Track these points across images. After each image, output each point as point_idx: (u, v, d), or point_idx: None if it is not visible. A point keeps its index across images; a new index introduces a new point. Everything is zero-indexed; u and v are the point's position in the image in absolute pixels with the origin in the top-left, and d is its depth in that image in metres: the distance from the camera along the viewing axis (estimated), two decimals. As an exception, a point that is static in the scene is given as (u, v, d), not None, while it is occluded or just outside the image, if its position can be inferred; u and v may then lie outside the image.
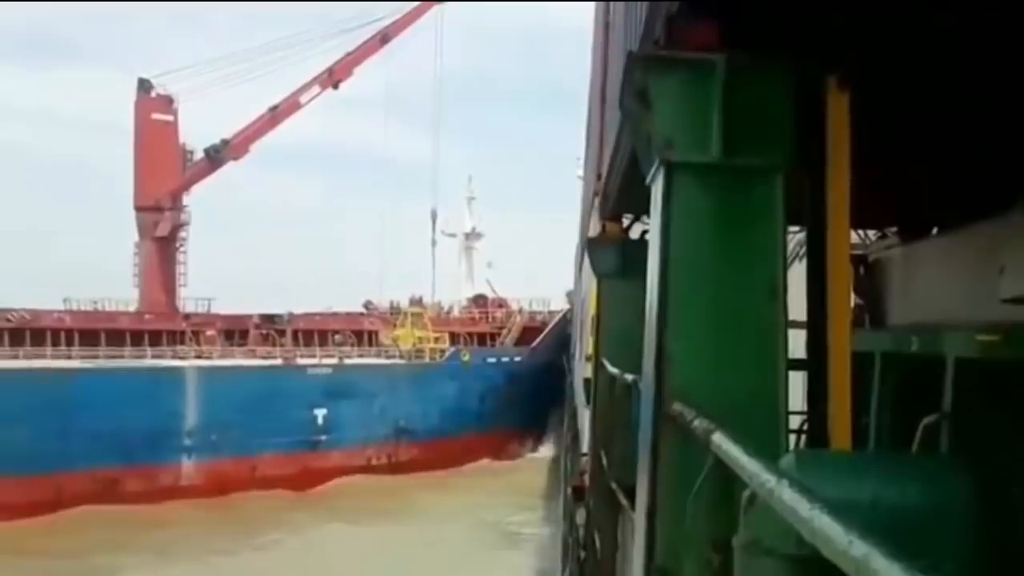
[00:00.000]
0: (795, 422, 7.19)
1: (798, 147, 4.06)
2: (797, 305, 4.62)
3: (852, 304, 9.11)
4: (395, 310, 69.11)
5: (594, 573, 9.88)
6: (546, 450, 58.63)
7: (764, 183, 3.98)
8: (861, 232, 10.38)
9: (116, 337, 50.86)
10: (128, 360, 48.36)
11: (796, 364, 4.62)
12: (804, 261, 5.73)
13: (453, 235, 76.42)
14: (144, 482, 42.78)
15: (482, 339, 67.96)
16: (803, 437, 7.67)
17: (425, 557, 34.02)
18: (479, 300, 75.38)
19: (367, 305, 71.00)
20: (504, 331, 69.66)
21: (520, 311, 72.61)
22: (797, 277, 4.84)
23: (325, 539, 37.09)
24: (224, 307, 60.34)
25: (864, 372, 7.39)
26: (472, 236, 78.09)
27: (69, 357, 46.97)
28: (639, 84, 4.02)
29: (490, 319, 72.25)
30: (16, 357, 45.08)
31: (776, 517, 2.16)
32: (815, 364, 4.96)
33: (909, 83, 4.85)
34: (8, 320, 48.21)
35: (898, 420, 7.33)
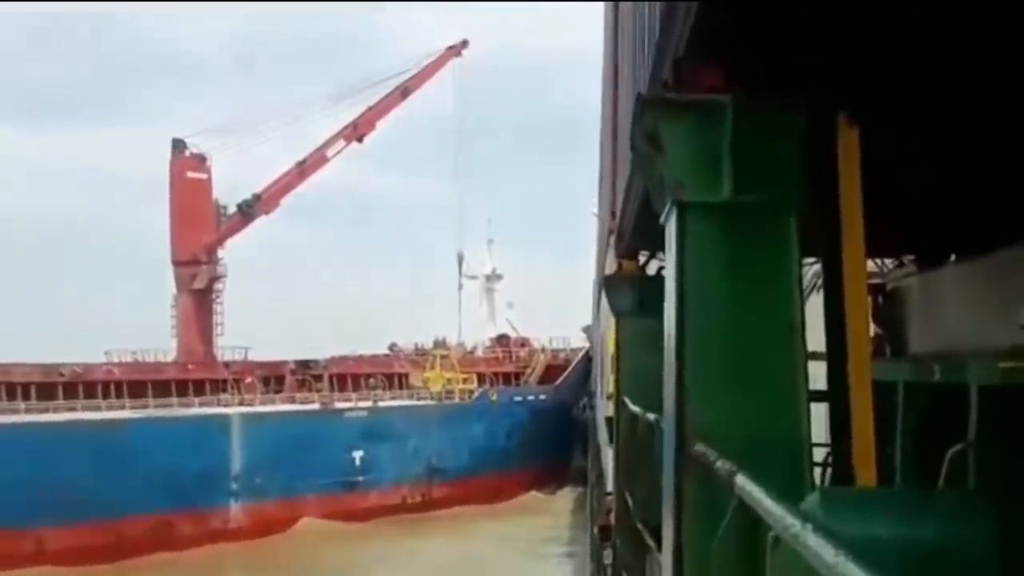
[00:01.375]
0: (820, 454, 7.16)
1: (810, 180, 4.05)
2: (816, 336, 4.61)
3: (872, 334, 9.08)
4: (420, 352, 70.62)
5: (623, 613, 9.80)
6: (570, 488, 59.01)
7: (776, 219, 3.97)
8: (879, 261, 10.36)
9: (162, 387, 52.68)
10: (176, 409, 50.04)
11: (817, 396, 4.59)
12: (821, 292, 5.72)
13: (474, 277, 78.16)
14: (196, 526, 44.49)
15: (507, 378, 68.99)
16: (828, 470, 7.61)
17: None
18: (502, 340, 76.51)
19: (392, 347, 72.44)
20: (528, 370, 70.66)
21: (543, 350, 73.56)
22: (815, 308, 4.82)
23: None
24: (259, 354, 62.11)
25: (887, 402, 7.35)
26: (492, 278, 79.65)
27: (123, 408, 48.74)
28: (649, 127, 4.03)
29: (514, 358, 73.16)
30: (74, 409, 46.92)
31: (803, 558, 2.14)
32: (836, 395, 4.93)
33: (920, 113, 4.85)
34: (61, 375, 49.81)
35: (923, 450, 7.27)
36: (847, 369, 4.79)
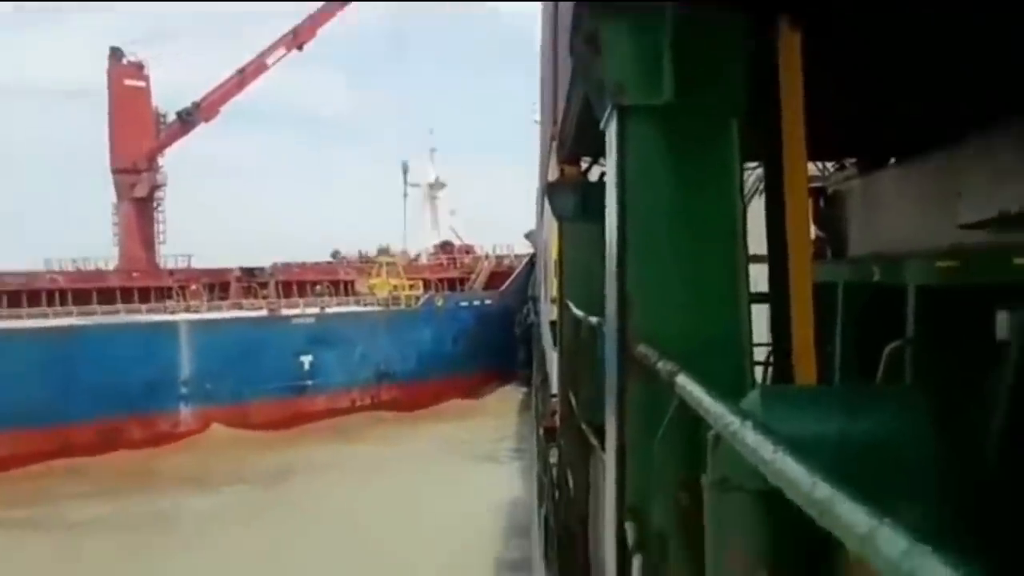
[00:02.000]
0: (761, 355, 7.26)
1: (752, 84, 4.04)
2: (758, 239, 4.64)
3: (813, 236, 9.17)
4: (364, 259, 71.79)
5: (568, 511, 9.96)
6: (515, 389, 60.92)
7: (718, 123, 3.96)
8: (820, 164, 10.42)
9: (107, 295, 53.76)
10: (124, 316, 51.17)
11: (759, 298, 4.64)
12: (763, 196, 5.74)
13: (417, 185, 78.89)
14: (145, 430, 45.75)
15: (451, 284, 70.06)
16: (769, 370, 7.73)
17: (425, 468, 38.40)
18: (446, 247, 77.74)
19: (335, 255, 73.57)
20: (472, 276, 71.63)
21: (487, 256, 74.63)
22: (757, 212, 4.85)
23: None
24: (201, 263, 63.23)
25: (827, 303, 7.45)
26: (435, 186, 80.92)
27: (69, 315, 49.40)
28: (589, 29, 3.98)
29: (458, 265, 74.14)
30: (19, 317, 47.80)
31: (742, 456, 2.17)
32: (777, 297, 4.98)
33: (860, 15, 4.84)
34: (4, 284, 50.85)
35: (862, 349, 7.40)
36: (788, 271, 4.84)
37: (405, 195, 78.08)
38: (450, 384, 58.62)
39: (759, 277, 4.95)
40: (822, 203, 9.63)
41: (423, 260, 75.16)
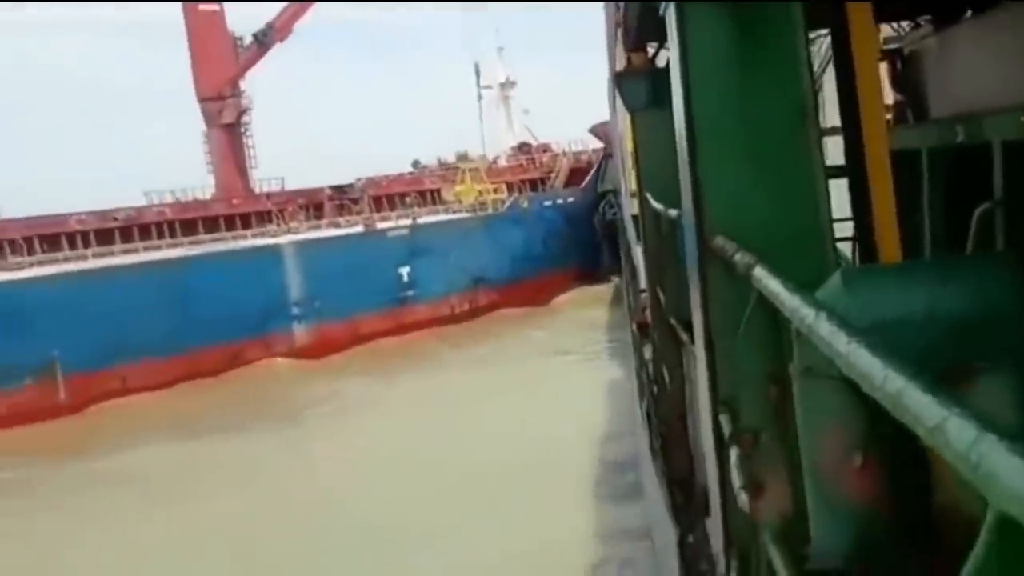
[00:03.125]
0: (846, 230, 7.11)
1: None
2: (834, 110, 4.51)
3: (892, 101, 8.90)
4: (444, 166, 72.77)
5: (667, 405, 9.98)
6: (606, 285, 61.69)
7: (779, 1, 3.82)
8: (894, 25, 10.06)
9: (211, 223, 55.99)
10: (232, 243, 53.30)
11: (838, 172, 4.52)
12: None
13: (489, 87, 78.56)
14: (263, 350, 48.22)
15: (533, 185, 70.66)
16: (858, 245, 7.58)
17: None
18: (523, 148, 77.83)
19: (415, 164, 74.57)
20: (552, 175, 71.83)
21: (564, 153, 74.30)
22: (830, 81, 4.70)
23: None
24: (292, 184, 65.02)
25: (912, 170, 7.25)
26: (507, 85, 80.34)
27: (180, 246, 51.65)
28: None
29: (537, 164, 74.24)
30: (136, 252, 49.95)
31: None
32: (855, 171, 4.85)
33: None
34: (115, 219, 52.75)
35: (951, 216, 7.20)
36: (864, 142, 4.70)
37: (479, 97, 77.93)
38: (544, 283, 59.82)
39: (837, 150, 4.82)
40: (899, 65, 9.31)
41: (502, 162, 75.31)
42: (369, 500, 25.36)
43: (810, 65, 4.01)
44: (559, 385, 35.43)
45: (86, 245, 50.07)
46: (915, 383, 1.36)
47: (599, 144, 70.49)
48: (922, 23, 9.66)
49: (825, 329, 1.93)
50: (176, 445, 33.30)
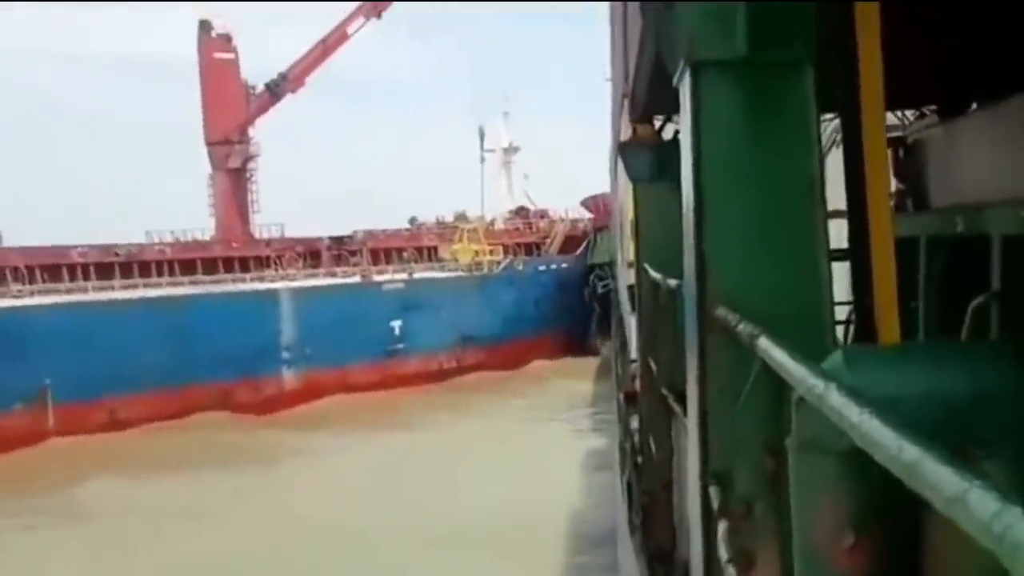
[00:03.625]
0: (843, 313, 7.14)
1: (827, 33, 3.94)
2: (836, 194, 4.54)
3: (893, 189, 8.97)
4: (442, 225, 74.53)
5: (651, 476, 9.94)
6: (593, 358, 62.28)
7: (794, 76, 3.86)
8: (899, 113, 10.18)
9: (209, 264, 57.51)
10: (230, 285, 54.87)
11: (839, 255, 4.54)
12: (840, 148, 5.62)
13: (492, 151, 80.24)
14: (253, 392, 49.10)
15: (528, 249, 72.06)
16: (851, 328, 7.60)
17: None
18: (521, 212, 79.92)
19: (412, 221, 76.30)
20: (548, 240, 73.14)
21: (562, 220, 75.48)
22: (834, 165, 4.74)
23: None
24: (290, 231, 66.92)
25: (910, 257, 7.30)
26: (510, 150, 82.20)
27: (181, 285, 53.38)
28: None
29: (534, 229, 76.10)
30: (135, 287, 51.57)
31: (827, 419, 2.13)
32: (858, 253, 4.88)
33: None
34: (117, 254, 54.34)
35: (947, 305, 7.24)
36: (868, 226, 4.73)
37: (482, 160, 79.80)
38: (532, 346, 60.86)
39: (839, 234, 4.85)
40: (901, 153, 9.40)
41: (499, 225, 76.67)
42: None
43: (820, 143, 4.05)
44: (537, 452, 35.15)
45: (86, 278, 51.33)
46: (932, 454, 1.36)
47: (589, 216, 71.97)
48: (927, 113, 9.78)
49: (836, 399, 1.93)
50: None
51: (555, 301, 64.48)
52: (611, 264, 56.79)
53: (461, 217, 75.42)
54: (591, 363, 59.81)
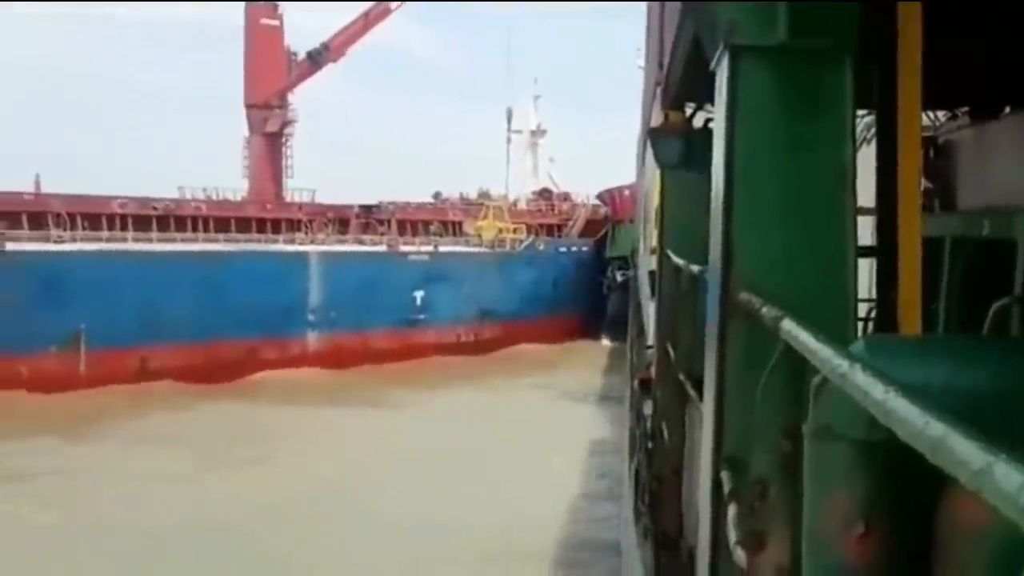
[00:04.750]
0: (863, 310, 7.14)
1: (868, 27, 3.94)
2: (865, 190, 4.55)
3: (922, 188, 8.95)
4: (466, 201, 75.82)
5: (661, 462, 9.96)
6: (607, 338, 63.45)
7: (832, 66, 3.87)
8: (931, 113, 10.15)
9: (243, 224, 58.41)
10: (264, 244, 56.22)
11: (865, 251, 4.55)
12: (872, 145, 5.61)
13: (520, 132, 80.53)
14: (278, 351, 50.39)
15: (549, 230, 72.90)
16: (871, 325, 7.60)
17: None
18: (544, 193, 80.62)
19: (436, 195, 77.47)
20: (570, 223, 74.15)
21: (584, 204, 75.59)
22: (864, 161, 4.75)
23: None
24: (320, 198, 67.82)
25: (934, 257, 7.29)
26: (537, 133, 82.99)
27: (216, 242, 54.21)
28: None
29: (556, 211, 76.91)
30: (173, 241, 52.46)
31: (847, 402, 2.15)
32: (884, 250, 4.88)
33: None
34: (155, 208, 55.13)
35: (968, 306, 7.24)
36: (896, 224, 4.74)
37: (508, 140, 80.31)
38: (549, 325, 61.85)
39: (864, 230, 4.86)
40: (931, 153, 9.38)
41: (522, 205, 77.49)
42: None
43: (854, 135, 4.06)
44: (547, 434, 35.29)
45: (124, 228, 52.17)
46: (958, 430, 1.38)
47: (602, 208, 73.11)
48: (959, 114, 9.74)
49: (861, 379, 1.95)
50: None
51: (574, 282, 65.54)
52: (630, 255, 57.09)
53: (484, 195, 76.57)
54: (603, 349, 60.74)
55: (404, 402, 43.10)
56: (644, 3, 18.27)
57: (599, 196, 74.06)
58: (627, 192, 67.69)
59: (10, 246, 44.38)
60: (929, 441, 1.45)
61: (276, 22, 67.88)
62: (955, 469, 1.34)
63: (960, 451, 1.33)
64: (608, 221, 70.86)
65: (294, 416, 39.30)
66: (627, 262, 60.83)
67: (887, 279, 4.83)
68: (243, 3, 67.25)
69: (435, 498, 27.17)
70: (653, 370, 11.85)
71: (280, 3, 67.77)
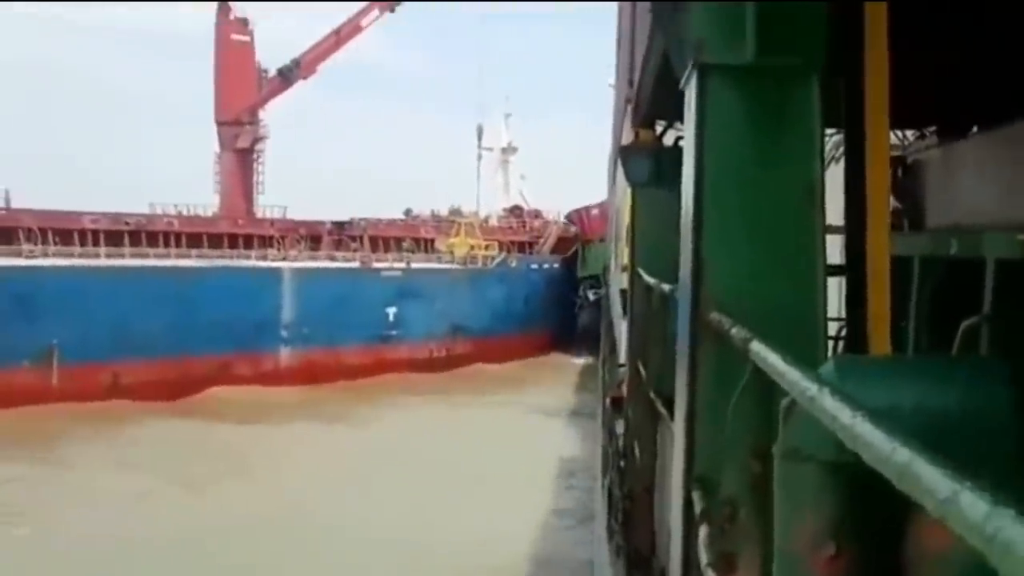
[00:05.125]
0: (832, 329, 7.15)
1: (834, 45, 3.94)
2: (833, 208, 4.55)
3: (891, 207, 8.99)
4: (437, 218, 76.08)
5: (633, 480, 9.94)
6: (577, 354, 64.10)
7: (800, 84, 3.87)
8: (899, 132, 10.21)
9: (215, 240, 58.63)
10: (236, 261, 56.24)
11: (834, 270, 4.55)
12: (840, 163, 5.63)
13: (491, 149, 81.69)
14: (251, 367, 50.26)
15: (520, 247, 73.42)
16: (840, 344, 7.62)
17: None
18: (515, 211, 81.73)
19: (407, 212, 77.68)
20: (541, 240, 74.65)
21: (555, 222, 76.39)
22: (833, 179, 4.75)
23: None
24: (290, 214, 67.73)
25: (903, 276, 7.32)
26: (508, 150, 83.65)
27: (188, 257, 54.27)
28: None
29: (527, 228, 77.39)
30: (146, 256, 52.36)
31: (816, 424, 2.13)
32: (853, 269, 4.89)
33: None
34: (127, 224, 55.65)
35: (937, 324, 7.26)
36: (865, 241, 4.74)
37: (479, 157, 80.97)
38: (520, 341, 62.23)
39: (833, 249, 4.86)
40: (900, 173, 9.44)
41: (493, 222, 77.81)
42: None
43: (822, 152, 4.06)
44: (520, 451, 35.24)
45: (96, 244, 52.15)
46: (924, 456, 1.37)
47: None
48: (927, 134, 9.81)
49: (829, 403, 1.94)
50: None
51: (544, 299, 66.19)
52: (601, 273, 57.34)
53: (456, 212, 76.79)
54: (574, 364, 61.12)
55: (372, 417, 43.06)
56: (615, 20, 18.36)
57: (568, 216, 74.63)
58: (596, 211, 68.17)
59: (-19, 261, 44.41)
60: (896, 467, 1.43)
61: (247, 38, 68.00)
62: (921, 496, 1.33)
63: (926, 478, 1.32)
64: (578, 239, 71.23)
65: (263, 433, 38.97)
66: (598, 280, 61.22)
67: (856, 298, 4.83)
68: (214, 20, 67.16)
69: (406, 515, 26.99)
70: (625, 388, 11.85)
71: (251, 19, 68.08)
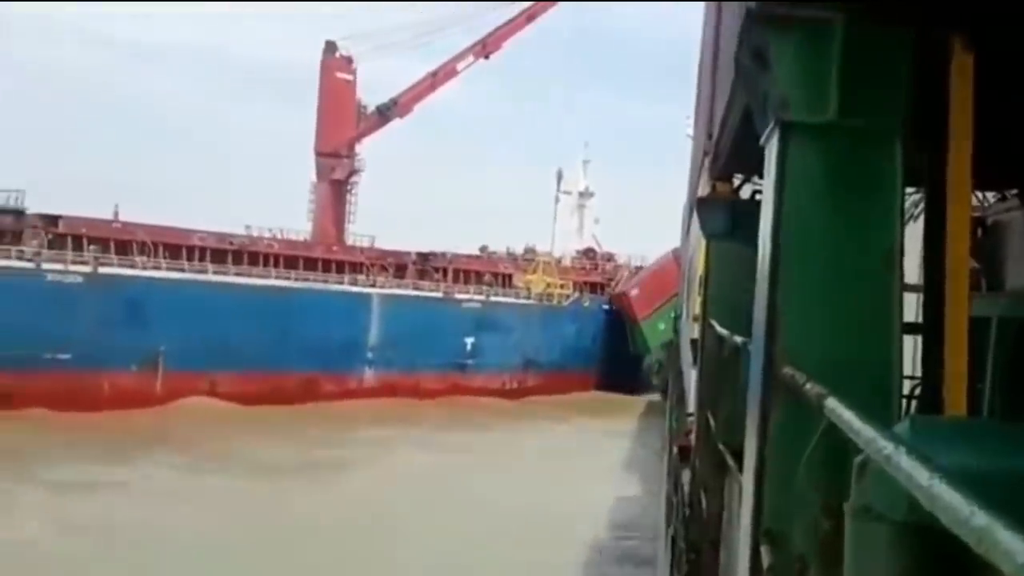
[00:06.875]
0: (907, 387, 7.07)
1: (919, 107, 3.95)
2: (910, 265, 4.53)
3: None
4: (512, 256, 79.66)
5: (699, 531, 9.86)
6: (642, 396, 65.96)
7: (881, 145, 3.88)
8: (979, 194, 10.10)
9: (310, 263, 62.45)
10: (330, 284, 60.00)
11: (910, 328, 4.53)
12: (920, 220, 5.60)
13: (568, 193, 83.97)
14: (337, 384, 54.29)
15: (593, 287, 76.04)
16: (914, 403, 7.53)
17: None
18: (588, 253, 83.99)
19: (483, 249, 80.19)
20: (613, 282, 77.07)
21: (628, 265, 79.93)
22: (912, 236, 4.73)
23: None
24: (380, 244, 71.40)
25: (980, 338, 7.22)
26: (585, 195, 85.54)
27: (288, 278, 58.41)
28: (757, 42, 3.95)
29: (600, 270, 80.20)
30: (249, 275, 56.40)
31: (889, 483, 2.14)
32: (930, 328, 4.85)
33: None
34: (231, 243, 59.62)
35: (1014, 387, 7.15)
36: (944, 301, 4.71)
37: (557, 200, 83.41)
38: (587, 377, 65.32)
39: (910, 307, 4.83)
40: (980, 233, 9.34)
41: (566, 262, 79.81)
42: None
43: (903, 215, 4.06)
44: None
45: (201, 260, 55.62)
46: (1002, 521, 1.39)
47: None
48: (1008, 196, 9.70)
49: (905, 463, 1.95)
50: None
51: (614, 339, 68.11)
52: (665, 346, 57.81)
53: (531, 251, 79.76)
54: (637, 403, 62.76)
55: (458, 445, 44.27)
56: (695, 71, 18.40)
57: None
58: (647, 276, 68.57)
59: (102, 270, 47.46)
60: (974, 530, 1.45)
61: (350, 76, 71.40)
62: (1000, 560, 1.34)
63: (1005, 543, 1.33)
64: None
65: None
66: (664, 353, 61.35)
67: (933, 357, 4.79)
68: (320, 57, 70.47)
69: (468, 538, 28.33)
70: (692, 438, 11.78)
71: (354, 57, 71.00)
